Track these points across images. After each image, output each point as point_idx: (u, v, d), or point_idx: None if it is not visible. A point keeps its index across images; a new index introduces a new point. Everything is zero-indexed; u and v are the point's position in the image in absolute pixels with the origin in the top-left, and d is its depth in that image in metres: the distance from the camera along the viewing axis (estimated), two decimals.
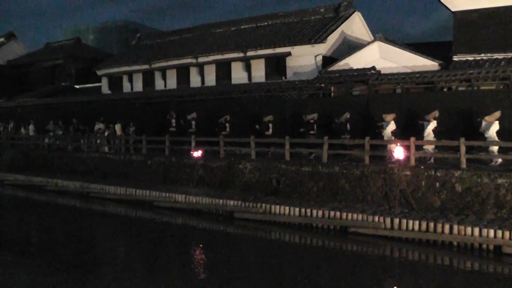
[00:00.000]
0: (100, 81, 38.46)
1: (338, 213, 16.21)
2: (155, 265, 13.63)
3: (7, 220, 21.11)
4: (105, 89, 37.71)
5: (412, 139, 17.19)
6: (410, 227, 14.76)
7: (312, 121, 21.48)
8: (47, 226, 20.00)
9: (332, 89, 24.60)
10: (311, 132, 21.35)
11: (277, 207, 17.79)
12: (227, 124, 24.52)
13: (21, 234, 18.38)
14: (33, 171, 29.72)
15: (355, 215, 15.80)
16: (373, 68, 23.08)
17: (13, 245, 16.20)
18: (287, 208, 17.53)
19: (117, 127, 29.10)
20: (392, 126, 19.41)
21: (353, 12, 29.94)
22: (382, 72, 23.02)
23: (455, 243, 13.94)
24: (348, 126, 20.58)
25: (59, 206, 24.04)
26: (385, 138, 19.27)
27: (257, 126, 22.96)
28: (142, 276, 12.59)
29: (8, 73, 46.95)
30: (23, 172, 29.94)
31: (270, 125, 22.89)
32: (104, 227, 19.64)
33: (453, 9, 22.93)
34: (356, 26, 30.23)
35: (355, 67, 24.19)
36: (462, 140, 16.26)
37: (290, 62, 27.81)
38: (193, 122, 25.84)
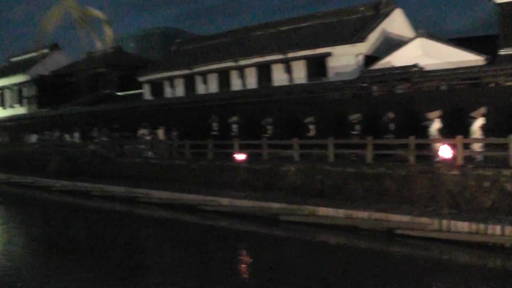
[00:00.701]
0: (142, 88, 39.04)
1: (383, 215, 16.01)
2: (201, 269, 13.72)
3: (56, 225, 21.69)
4: (147, 95, 38.27)
5: (459, 137, 16.80)
6: (459, 229, 14.41)
7: (355, 121, 21.29)
8: (94, 230, 20.48)
9: (374, 88, 24.29)
10: (354, 132, 21.16)
11: (322, 209, 17.70)
12: (270, 127, 24.51)
13: (70, 239, 18.84)
14: (79, 177, 30.40)
15: (401, 217, 15.56)
16: (416, 65, 22.68)
17: (63, 250, 16.66)
18: (332, 209, 17.42)
19: (160, 132, 29.42)
20: (437, 124, 19.02)
21: (393, 9, 29.56)
22: (425, 69, 22.61)
23: (507, 245, 13.52)
24: (392, 125, 20.28)
25: (105, 211, 24.53)
26: (431, 137, 18.90)
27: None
28: (189, 279, 12.71)
29: (53, 83, 48.37)
30: (70, 178, 30.66)
31: (312, 126, 22.77)
32: (149, 231, 19.87)
33: (497, 1, 22.34)
34: (397, 22, 29.79)
35: (397, 65, 23.86)
36: (511, 137, 15.79)
37: (331, 63, 27.62)
38: (234, 125, 25.94)
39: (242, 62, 31.52)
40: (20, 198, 30.20)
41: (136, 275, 13.49)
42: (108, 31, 56.27)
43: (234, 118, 26.12)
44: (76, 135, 35.86)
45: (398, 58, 24.37)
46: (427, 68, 22.65)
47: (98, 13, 57.52)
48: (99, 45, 53.64)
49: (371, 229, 16.21)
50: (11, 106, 52.03)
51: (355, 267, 13.51)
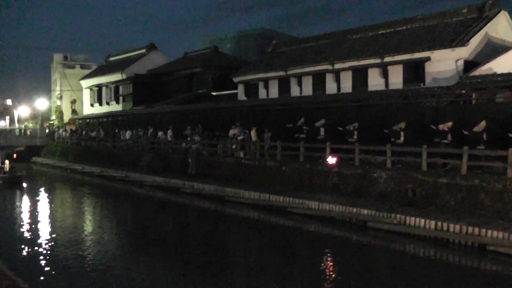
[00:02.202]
0: (236, 88, 39.51)
1: (476, 229, 15.46)
2: (286, 271, 13.95)
3: (147, 220, 22.79)
4: (241, 96, 38.75)
5: None
6: None
7: (446, 129, 20.65)
8: (183, 227, 21.49)
9: (473, 96, 23.37)
10: (444, 141, 20.52)
11: (412, 218, 17.39)
12: (355, 132, 24.28)
13: (160, 234, 19.83)
14: (170, 174, 31.42)
15: (495, 233, 14.95)
16: None
17: (153, 244, 17.64)
18: (422, 220, 17.07)
19: (253, 133, 29.68)
20: None
21: (498, 12, 28.13)
22: None
23: None
24: (485, 136, 19.45)
25: (194, 208, 25.42)
26: None
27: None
28: (273, 280, 13.00)
29: (148, 82, 50.12)
30: (161, 174, 31.75)
31: (402, 133, 22.33)
32: (237, 230, 20.43)
33: None
34: (501, 26, 28.38)
35: (499, 71, 22.82)
36: None
37: (429, 68, 26.76)
38: (322, 129, 25.89)
39: (338, 66, 31.24)
40: (113, 192, 31.66)
41: (222, 272, 13.97)
42: None
43: (321, 122, 26.07)
44: (169, 133, 36.65)
45: (501, 65, 23.30)
46: None
47: None
48: None
49: (462, 243, 15.75)
50: (108, 103, 54.54)
51: (444, 283, 13.19)
